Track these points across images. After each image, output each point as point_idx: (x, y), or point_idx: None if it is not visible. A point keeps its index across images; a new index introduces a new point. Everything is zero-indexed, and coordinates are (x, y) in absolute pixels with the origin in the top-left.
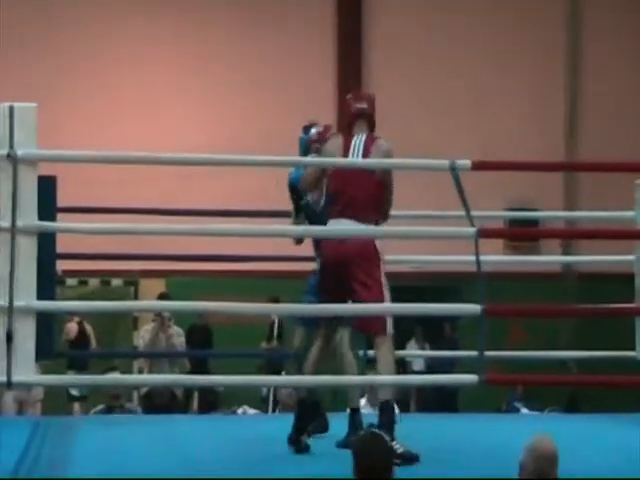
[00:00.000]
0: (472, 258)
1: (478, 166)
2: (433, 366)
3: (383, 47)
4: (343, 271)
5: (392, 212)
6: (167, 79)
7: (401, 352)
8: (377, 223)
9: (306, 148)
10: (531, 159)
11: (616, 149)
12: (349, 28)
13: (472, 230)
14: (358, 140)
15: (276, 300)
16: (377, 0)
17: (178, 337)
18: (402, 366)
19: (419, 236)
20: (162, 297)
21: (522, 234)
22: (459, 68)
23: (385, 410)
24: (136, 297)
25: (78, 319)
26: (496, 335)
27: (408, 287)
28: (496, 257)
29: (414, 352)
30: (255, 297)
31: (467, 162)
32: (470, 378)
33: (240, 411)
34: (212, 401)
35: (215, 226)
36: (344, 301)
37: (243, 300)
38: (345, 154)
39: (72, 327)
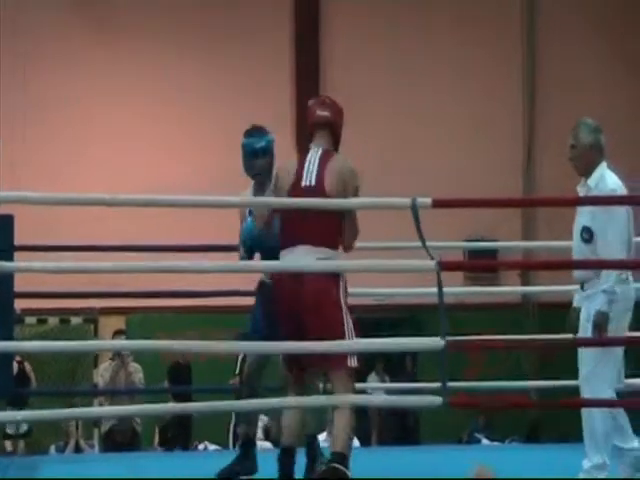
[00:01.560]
0: (433, 290)
1: (439, 204)
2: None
3: (341, 63)
4: (301, 310)
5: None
6: (132, 110)
7: (361, 385)
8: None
9: (251, 153)
10: (488, 187)
11: (574, 176)
12: (307, 49)
13: (432, 263)
14: (313, 157)
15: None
16: (334, 18)
17: (137, 373)
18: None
19: (380, 270)
20: (118, 334)
21: (482, 266)
22: (414, 96)
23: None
24: (96, 335)
25: (19, 358)
26: (455, 367)
27: (369, 319)
28: (457, 289)
29: (374, 384)
30: (217, 331)
31: (428, 200)
32: (434, 399)
33: (201, 447)
34: (173, 437)
35: (171, 263)
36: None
37: (204, 335)
38: (299, 173)
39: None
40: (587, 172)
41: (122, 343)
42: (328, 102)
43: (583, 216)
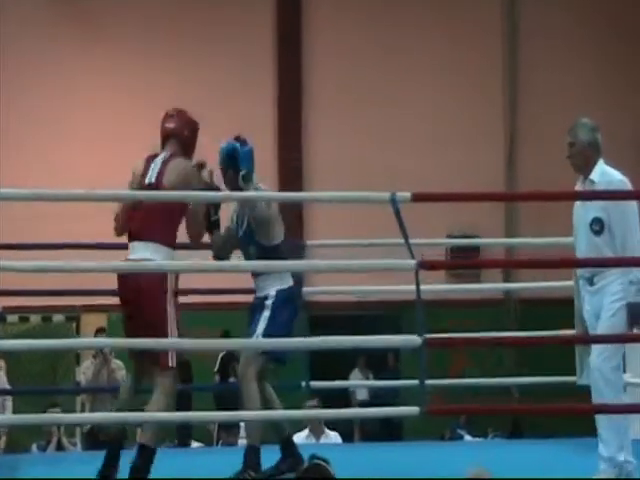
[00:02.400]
0: (414, 287)
1: (418, 198)
2: (377, 395)
3: (324, 60)
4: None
5: (333, 241)
6: (105, 106)
7: (345, 382)
8: (173, 246)
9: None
10: (470, 185)
11: (556, 172)
12: (289, 54)
13: (412, 262)
14: (158, 159)
15: (227, 334)
16: (317, 13)
17: (119, 370)
18: (346, 396)
19: (359, 270)
20: (99, 332)
21: (463, 265)
22: (397, 97)
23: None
24: (78, 333)
25: None
26: (439, 362)
27: (350, 317)
28: (438, 286)
29: (357, 382)
30: (201, 330)
31: (407, 194)
32: (412, 410)
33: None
34: None
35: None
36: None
37: (189, 333)
38: (144, 173)
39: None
40: (586, 169)
41: (104, 341)
42: (173, 114)
43: (590, 209)
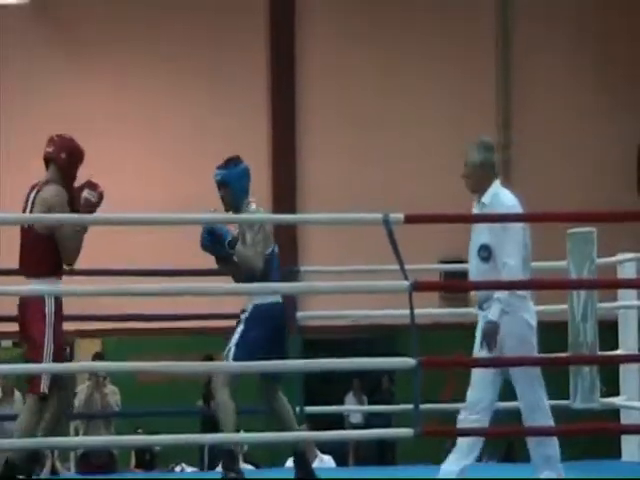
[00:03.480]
0: (408, 311)
1: (411, 220)
2: (371, 418)
3: (316, 93)
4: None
5: (326, 267)
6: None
7: (339, 407)
8: (52, 275)
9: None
10: (464, 208)
11: (548, 195)
12: (283, 75)
13: (406, 284)
14: (35, 191)
15: (210, 358)
16: (309, 48)
17: (113, 395)
18: (340, 419)
19: (354, 291)
20: (97, 357)
21: (457, 287)
22: (392, 115)
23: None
24: (72, 357)
25: None
26: (433, 385)
27: (344, 340)
28: (431, 310)
29: (351, 407)
30: (192, 355)
31: (400, 216)
32: (406, 432)
33: (178, 469)
34: (150, 459)
35: (145, 285)
36: None
37: (180, 358)
38: (24, 205)
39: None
40: (479, 190)
41: (95, 364)
42: (55, 139)
43: (480, 234)
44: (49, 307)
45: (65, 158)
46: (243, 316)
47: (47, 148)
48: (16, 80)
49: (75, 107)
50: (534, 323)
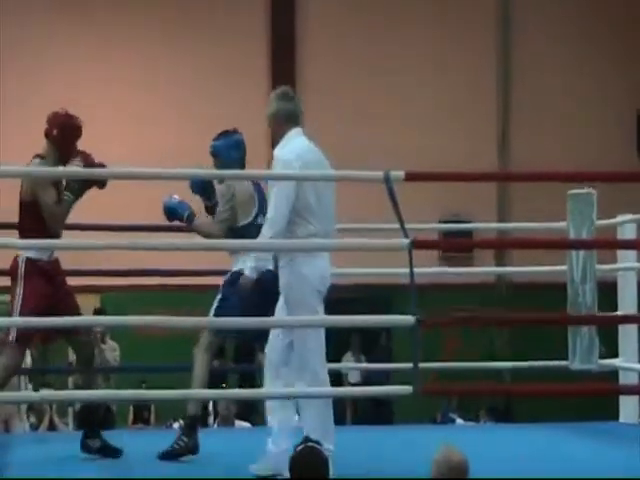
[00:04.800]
0: (406, 270)
1: (411, 177)
2: (369, 377)
3: (316, 64)
4: None
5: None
6: (99, 93)
7: (337, 365)
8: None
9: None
10: (464, 168)
11: (549, 157)
12: (282, 32)
13: (406, 241)
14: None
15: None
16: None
17: (112, 351)
18: (338, 378)
19: (353, 249)
20: (98, 313)
21: (456, 246)
22: (390, 80)
23: None
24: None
25: None
26: (432, 344)
27: (343, 299)
28: (430, 269)
29: (349, 364)
30: (192, 310)
31: (400, 173)
32: (404, 389)
33: (176, 425)
34: (148, 416)
35: (150, 241)
36: None
37: (180, 313)
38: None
39: None
40: (277, 140)
41: (96, 319)
42: (49, 116)
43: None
44: (21, 268)
45: (57, 134)
46: (222, 284)
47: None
48: (11, 40)
49: (72, 60)
50: (315, 278)
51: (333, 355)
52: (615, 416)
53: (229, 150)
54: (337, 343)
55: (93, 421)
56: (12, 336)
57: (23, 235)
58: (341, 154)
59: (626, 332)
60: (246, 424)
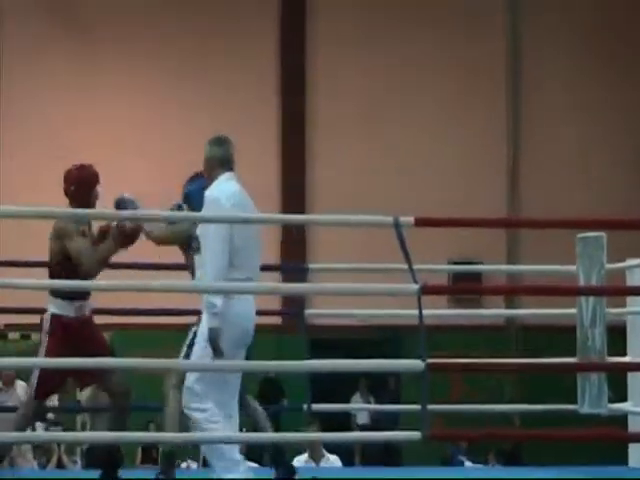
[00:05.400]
0: (416, 312)
1: (421, 222)
2: (377, 419)
3: (326, 95)
4: None
5: (335, 265)
6: (115, 116)
7: (346, 405)
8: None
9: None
10: (473, 212)
11: (559, 201)
12: (293, 77)
13: (415, 287)
14: None
15: None
16: (320, 48)
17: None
18: (347, 420)
19: (363, 293)
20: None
21: (465, 290)
22: (400, 123)
23: None
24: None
25: None
26: (438, 388)
27: (352, 340)
28: (439, 311)
29: (359, 405)
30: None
31: (410, 219)
32: (414, 435)
33: (184, 465)
34: (157, 456)
35: (146, 282)
36: None
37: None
38: None
39: None
40: (210, 183)
41: (104, 360)
42: (65, 174)
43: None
44: (46, 325)
45: (74, 190)
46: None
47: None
48: (19, 65)
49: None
50: (236, 324)
51: (342, 396)
52: (624, 460)
53: (200, 193)
54: (346, 384)
55: (113, 463)
56: (30, 393)
57: (52, 293)
58: (350, 192)
59: (635, 377)
60: (254, 464)
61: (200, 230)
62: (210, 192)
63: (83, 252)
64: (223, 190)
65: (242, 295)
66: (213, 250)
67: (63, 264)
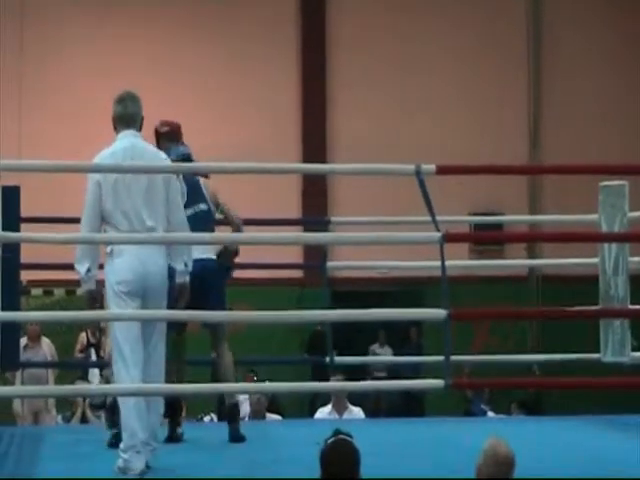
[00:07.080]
0: (437, 263)
1: (443, 170)
2: (397, 370)
3: (347, 43)
4: None
5: (357, 218)
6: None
7: (369, 358)
8: None
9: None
10: (495, 160)
11: (580, 151)
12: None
13: (438, 235)
14: None
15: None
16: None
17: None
18: (363, 371)
19: (385, 242)
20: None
21: (487, 238)
22: (420, 77)
23: None
24: (102, 306)
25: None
26: (461, 338)
27: (372, 292)
28: (461, 262)
29: (382, 358)
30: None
31: (432, 167)
32: (437, 383)
33: (207, 419)
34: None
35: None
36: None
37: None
38: None
39: (82, 337)
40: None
41: (127, 313)
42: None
43: None
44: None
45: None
46: None
47: None
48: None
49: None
50: (115, 278)
51: (359, 347)
52: None
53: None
54: (365, 336)
55: (176, 411)
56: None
57: None
58: (371, 143)
59: None
60: (276, 416)
61: None
62: (101, 153)
63: None
64: (103, 151)
65: (123, 251)
66: (83, 215)
67: None
